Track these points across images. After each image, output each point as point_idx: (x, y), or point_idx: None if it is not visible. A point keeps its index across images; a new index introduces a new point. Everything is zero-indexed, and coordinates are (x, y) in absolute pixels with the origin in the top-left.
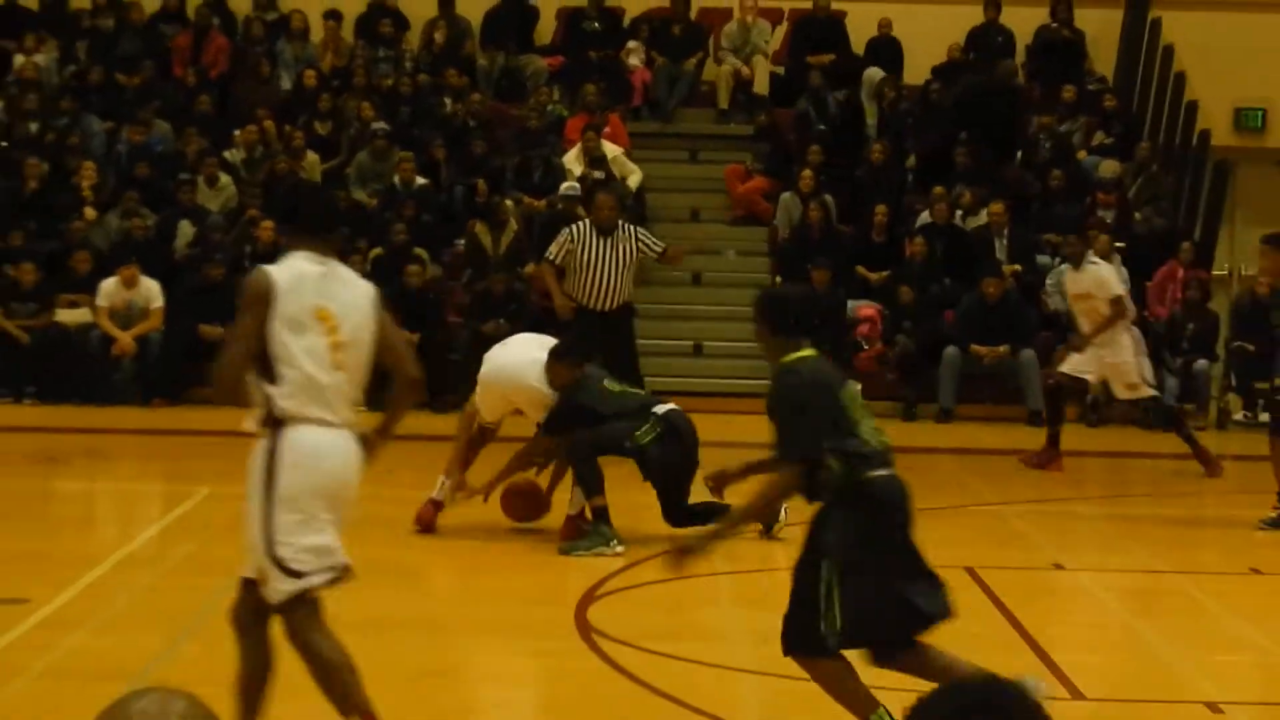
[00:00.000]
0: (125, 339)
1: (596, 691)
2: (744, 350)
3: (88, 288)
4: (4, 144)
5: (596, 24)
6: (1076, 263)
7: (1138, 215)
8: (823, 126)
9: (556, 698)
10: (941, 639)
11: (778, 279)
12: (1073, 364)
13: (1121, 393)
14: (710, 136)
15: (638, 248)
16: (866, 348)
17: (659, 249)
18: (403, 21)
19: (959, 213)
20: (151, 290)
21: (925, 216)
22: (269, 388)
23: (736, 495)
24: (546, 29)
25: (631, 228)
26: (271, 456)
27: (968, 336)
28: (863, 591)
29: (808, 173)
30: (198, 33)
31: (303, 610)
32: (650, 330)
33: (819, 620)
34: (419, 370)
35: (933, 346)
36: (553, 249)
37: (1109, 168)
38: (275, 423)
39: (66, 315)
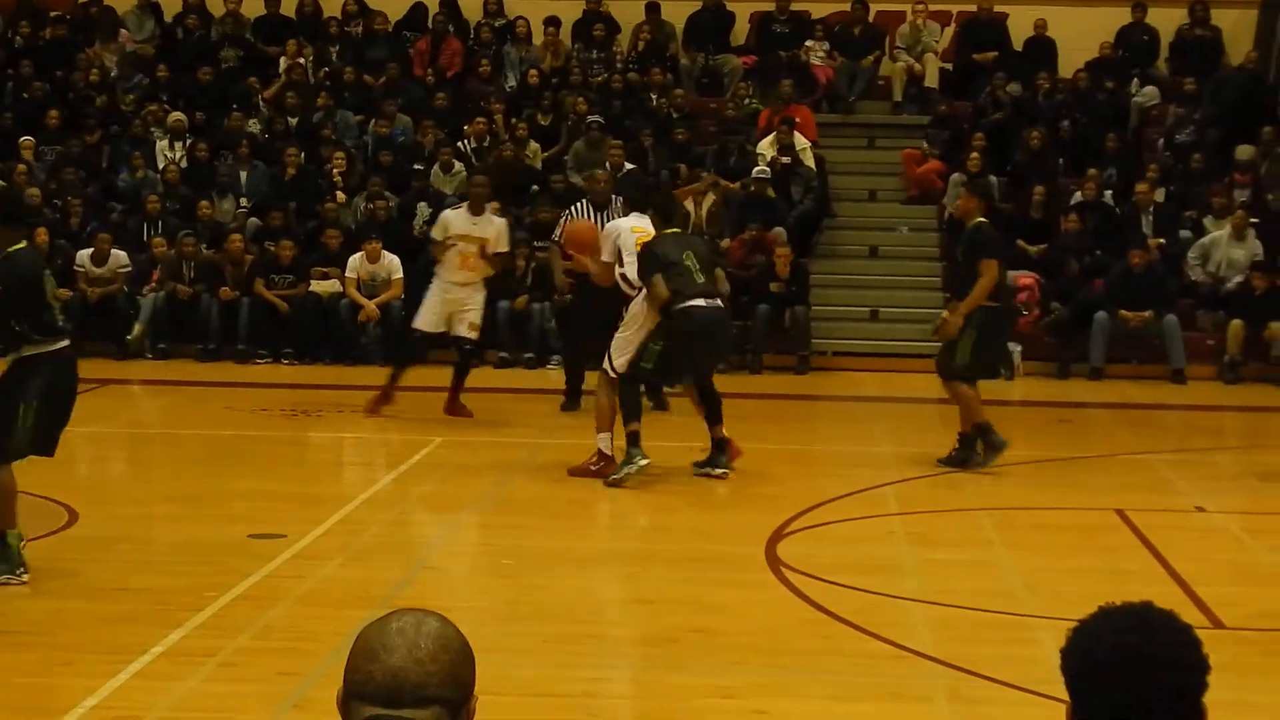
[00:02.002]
0: (370, 307)
1: (785, 618)
2: (916, 316)
3: (338, 262)
4: (267, 135)
5: (785, 26)
6: (476, 210)
7: (1270, 196)
8: (997, 115)
9: (749, 623)
10: (1094, 575)
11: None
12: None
13: (464, 331)
14: (885, 125)
15: None
16: (1026, 313)
17: None
18: (614, 26)
19: (1108, 192)
20: (393, 264)
21: (1078, 195)
22: None
23: None
24: (741, 31)
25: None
26: None
27: (1116, 303)
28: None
29: (975, 155)
30: (435, 38)
31: None
32: (832, 298)
33: (5, 439)
34: None
35: (1085, 312)
36: (556, 230)
37: (1244, 151)
38: None
39: (319, 286)
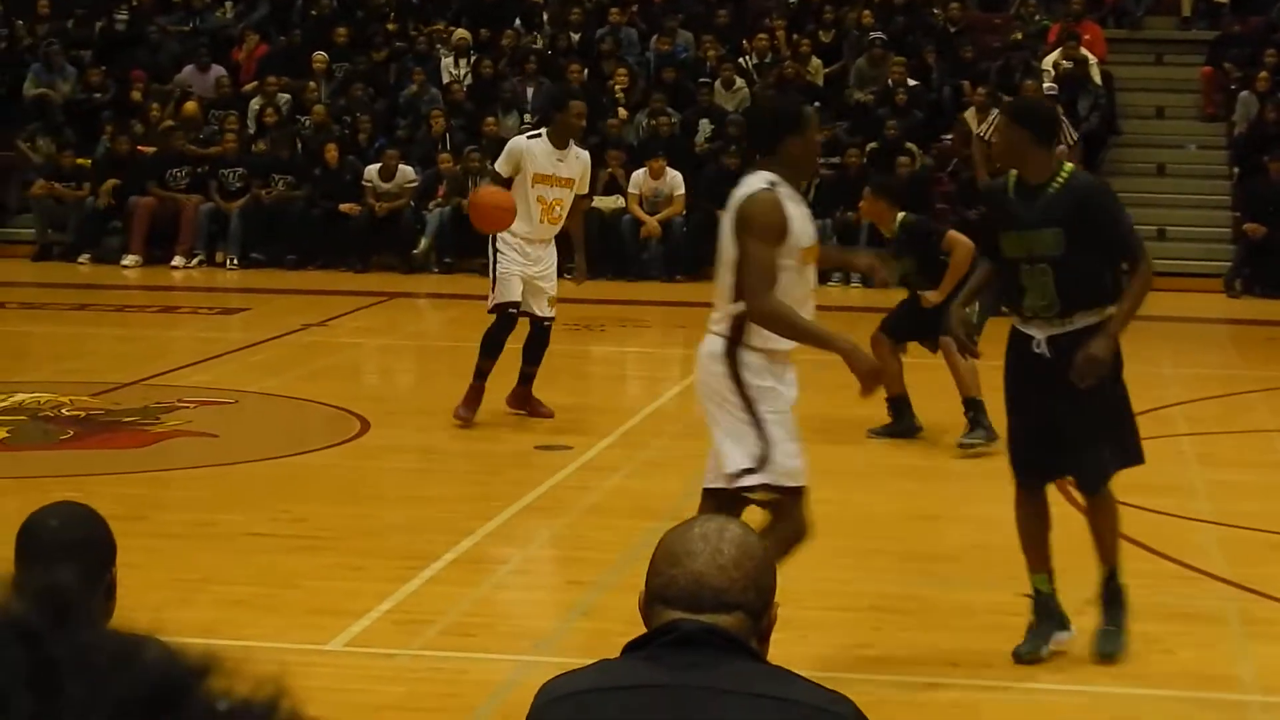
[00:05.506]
0: (652, 223)
1: (1070, 537)
2: (1204, 235)
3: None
4: (550, 52)
5: None
6: (561, 142)
7: None
8: None
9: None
10: None
11: (1235, 170)
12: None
13: (544, 308)
14: (1173, 41)
15: None
16: None
17: None
18: None
19: None
20: (675, 180)
21: None
22: None
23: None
24: None
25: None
26: None
27: None
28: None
29: (1264, 74)
30: None
31: None
32: None
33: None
34: None
35: None
36: (983, 127)
37: None
38: None
39: (602, 202)
